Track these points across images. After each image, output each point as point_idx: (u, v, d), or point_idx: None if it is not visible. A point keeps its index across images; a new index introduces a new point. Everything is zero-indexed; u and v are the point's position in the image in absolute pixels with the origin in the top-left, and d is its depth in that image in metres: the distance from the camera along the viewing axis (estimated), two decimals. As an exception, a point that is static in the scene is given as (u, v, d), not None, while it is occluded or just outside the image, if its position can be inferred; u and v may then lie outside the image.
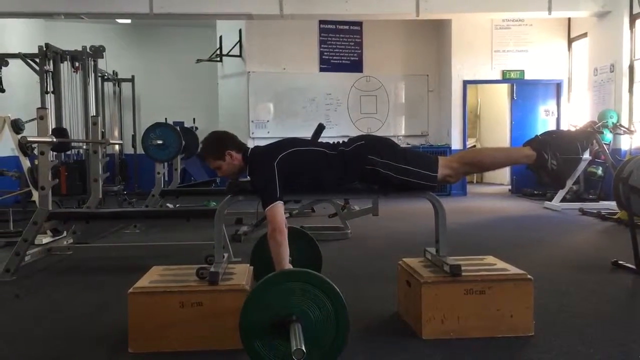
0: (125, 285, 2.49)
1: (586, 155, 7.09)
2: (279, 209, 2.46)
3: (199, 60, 9.91)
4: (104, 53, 8.08)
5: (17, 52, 7.61)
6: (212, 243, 2.78)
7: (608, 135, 7.38)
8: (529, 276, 2.51)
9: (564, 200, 7.39)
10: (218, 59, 9.95)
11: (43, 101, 7.42)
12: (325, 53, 9.76)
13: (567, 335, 2.49)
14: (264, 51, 9.55)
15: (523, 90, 9.67)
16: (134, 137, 10.36)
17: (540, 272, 3.33)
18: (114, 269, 4.19)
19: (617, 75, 7.75)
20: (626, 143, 7.50)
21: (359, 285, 3.46)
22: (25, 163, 4.31)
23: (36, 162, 4.03)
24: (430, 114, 10.10)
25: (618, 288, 3.39)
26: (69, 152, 7.76)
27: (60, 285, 3.64)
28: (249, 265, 2.83)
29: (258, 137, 9.25)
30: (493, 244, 4.94)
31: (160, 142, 5.74)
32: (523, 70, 9.40)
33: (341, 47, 9.82)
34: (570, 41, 9.36)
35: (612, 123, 7.36)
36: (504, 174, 10.55)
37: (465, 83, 9.47)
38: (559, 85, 9.50)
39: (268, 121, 9.63)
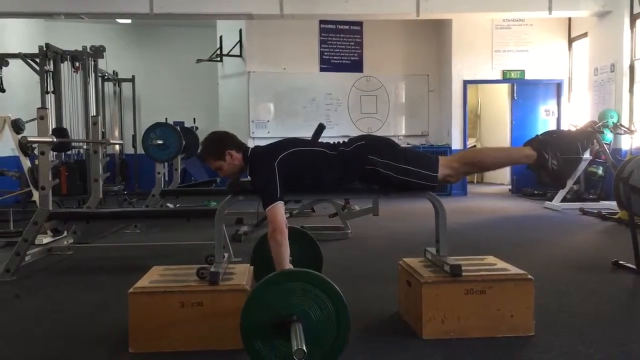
0: (125, 285, 2.49)
1: (587, 155, 7.10)
2: (279, 209, 2.46)
3: (199, 60, 9.91)
4: (104, 53, 8.09)
5: (17, 52, 7.62)
6: (213, 243, 2.79)
7: (608, 135, 7.38)
8: (529, 276, 2.51)
9: (564, 200, 7.39)
10: (218, 59, 9.95)
11: (43, 101, 7.42)
12: (326, 53, 9.76)
13: (567, 335, 2.49)
14: (264, 51, 9.56)
15: (523, 90, 9.67)
16: (134, 137, 10.36)
17: (540, 272, 3.33)
18: (114, 269, 4.19)
19: (617, 75, 7.74)
20: (627, 143, 7.50)
21: (359, 285, 3.46)
22: (26, 163, 4.30)
23: (36, 162, 4.02)
24: (431, 113, 10.10)
25: (618, 288, 3.39)
26: (69, 152, 7.76)
27: (60, 285, 3.64)
28: (249, 265, 2.83)
29: (258, 137, 9.25)
30: (493, 244, 4.94)
31: (160, 142, 5.74)
32: (523, 70, 9.40)
33: (341, 47, 9.82)
34: (570, 41, 9.36)
35: (613, 123, 7.36)
36: (504, 174, 10.54)
37: (466, 83, 9.47)
38: (559, 85, 9.49)
39: (268, 121, 9.63)
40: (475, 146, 11.21)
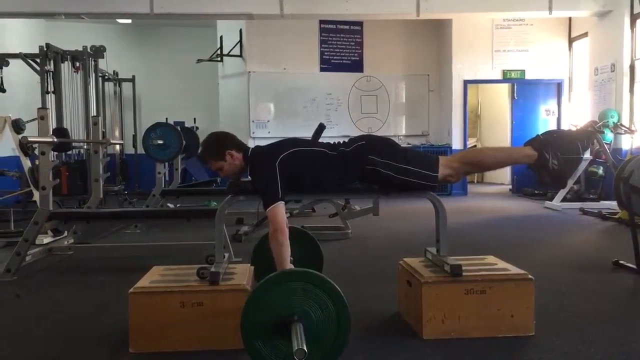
0: (125, 285, 2.49)
1: (587, 155, 7.09)
2: (280, 209, 2.46)
3: (199, 60, 9.91)
4: (104, 53, 8.09)
5: (17, 52, 7.63)
6: (213, 243, 2.78)
7: (609, 135, 7.38)
8: (529, 276, 2.51)
9: (564, 200, 7.39)
10: (218, 59, 9.95)
11: (44, 101, 7.43)
12: (326, 53, 9.76)
13: (567, 335, 2.49)
14: (264, 51, 9.55)
15: (524, 90, 9.66)
16: (134, 137, 10.36)
17: (540, 271, 3.33)
18: (114, 269, 4.19)
19: (617, 74, 7.74)
20: (627, 143, 7.50)
21: (359, 285, 3.46)
22: (26, 163, 4.30)
23: (37, 162, 4.02)
24: (431, 113, 10.10)
25: (619, 288, 3.39)
26: (69, 152, 7.77)
27: (61, 285, 3.64)
28: (249, 265, 2.83)
29: (259, 137, 9.26)
30: (494, 244, 4.94)
31: (160, 142, 5.75)
32: (524, 70, 9.39)
33: (342, 47, 9.82)
34: (570, 41, 9.36)
35: (613, 123, 7.37)
36: (504, 174, 10.54)
37: (466, 83, 9.46)
38: (559, 85, 9.49)
39: (269, 121, 9.63)
40: (475, 146, 11.20)
